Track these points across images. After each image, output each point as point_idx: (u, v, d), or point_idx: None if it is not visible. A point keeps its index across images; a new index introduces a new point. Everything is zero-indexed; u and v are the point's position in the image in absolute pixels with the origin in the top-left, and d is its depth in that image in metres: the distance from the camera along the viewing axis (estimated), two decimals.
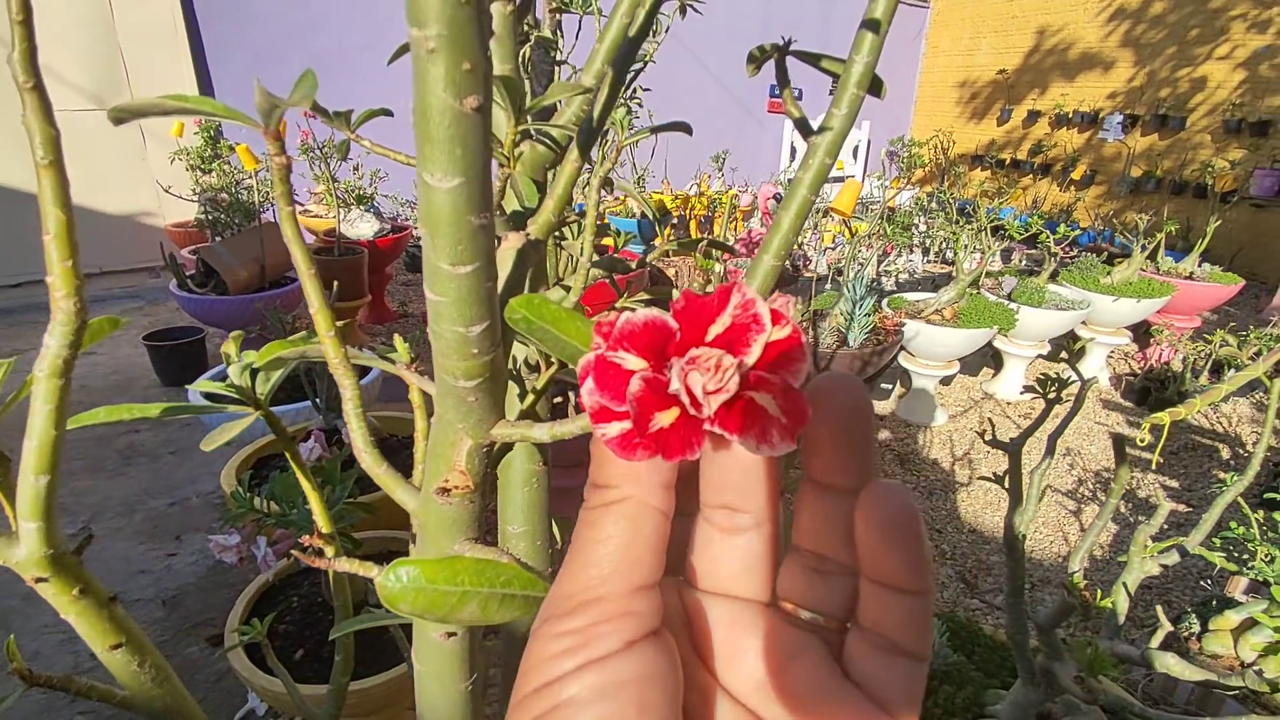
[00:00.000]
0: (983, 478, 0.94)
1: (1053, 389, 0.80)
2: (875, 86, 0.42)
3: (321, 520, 0.39)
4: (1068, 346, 1.04)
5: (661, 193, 5.65)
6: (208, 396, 2.03)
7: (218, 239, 3.45)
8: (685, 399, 0.19)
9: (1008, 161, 8.11)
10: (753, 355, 0.20)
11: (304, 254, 0.27)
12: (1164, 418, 0.93)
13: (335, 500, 1.23)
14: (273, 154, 0.26)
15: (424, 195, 0.20)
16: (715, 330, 0.20)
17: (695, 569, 0.24)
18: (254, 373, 0.40)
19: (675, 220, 5.21)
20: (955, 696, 1.10)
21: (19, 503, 0.25)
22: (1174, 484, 2.89)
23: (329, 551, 0.37)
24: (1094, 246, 5.46)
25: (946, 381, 3.64)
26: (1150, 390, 3.45)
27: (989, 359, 3.85)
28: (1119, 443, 0.81)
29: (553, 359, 0.35)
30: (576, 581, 0.21)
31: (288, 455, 0.44)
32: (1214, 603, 1.61)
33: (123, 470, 2.69)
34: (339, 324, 0.33)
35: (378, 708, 1.30)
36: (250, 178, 3.58)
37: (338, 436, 1.82)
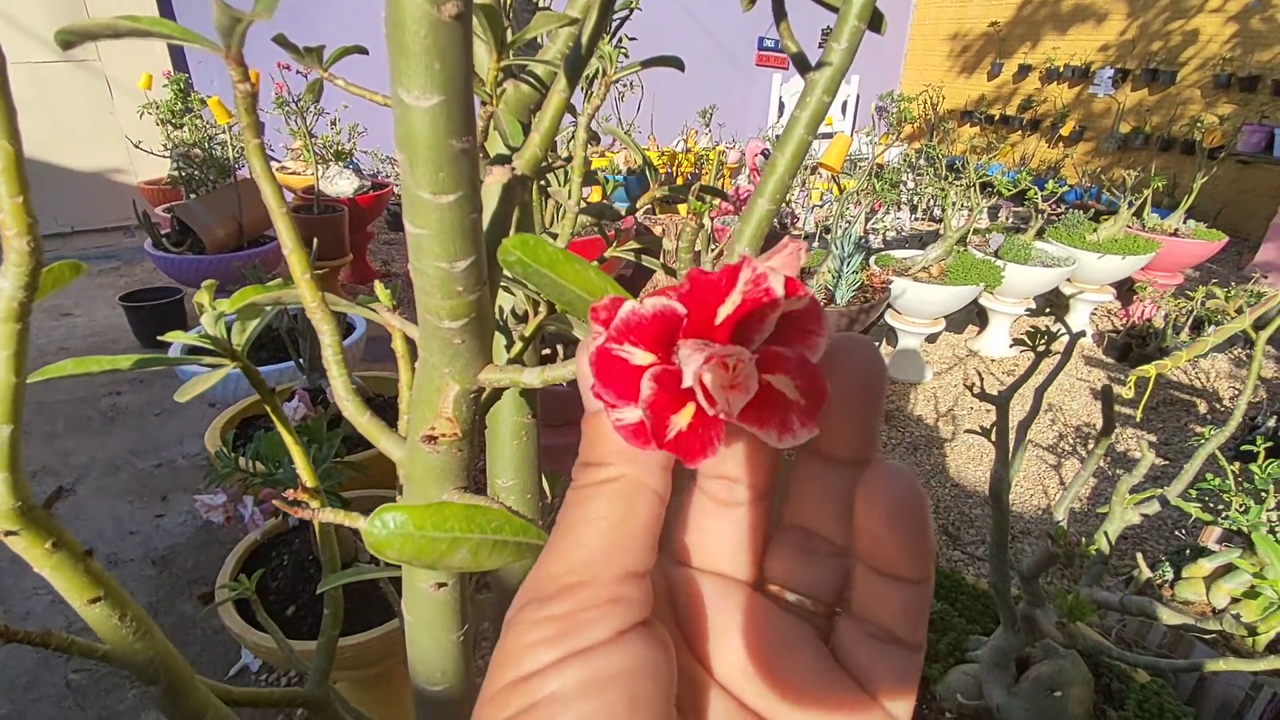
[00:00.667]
0: (969, 431, 0.95)
1: (1042, 342, 0.80)
2: (876, 21, 0.40)
3: (306, 474, 0.38)
4: (1056, 301, 1.03)
5: (648, 148, 5.56)
6: (186, 350, 2.00)
7: (192, 196, 3.36)
8: (703, 400, 0.18)
9: (997, 117, 8.03)
10: (766, 333, 0.19)
11: (274, 190, 0.25)
12: (1150, 370, 0.94)
13: (322, 459, 1.22)
14: (235, 80, 0.24)
15: (400, 116, 0.18)
16: (725, 310, 0.18)
17: (686, 543, 0.22)
18: (230, 325, 0.39)
19: (662, 177, 5.14)
20: (938, 643, 1.13)
21: None
22: (1152, 438, 2.95)
23: (314, 504, 0.36)
24: (1081, 204, 5.46)
25: (932, 339, 3.66)
26: (1132, 346, 3.49)
27: (974, 316, 3.87)
28: (1107, 394, 0.82)
29: (541, 306, 0.34)
30: (562, 563, 0.19)
31: (269, 410, 0.43)
32: (1187, 552, 1.65)
33: (107, 431, 2.66)
34: (317, 272, 0.32)
35: (372, 662, 1.31)
36: (224, 132, 3.47)
37: (323, 396, 1.80)
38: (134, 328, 3.26)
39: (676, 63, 0.44)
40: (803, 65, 0.38)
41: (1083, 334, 1.05)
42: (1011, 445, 0.94)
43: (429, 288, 0.21)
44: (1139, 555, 1.00)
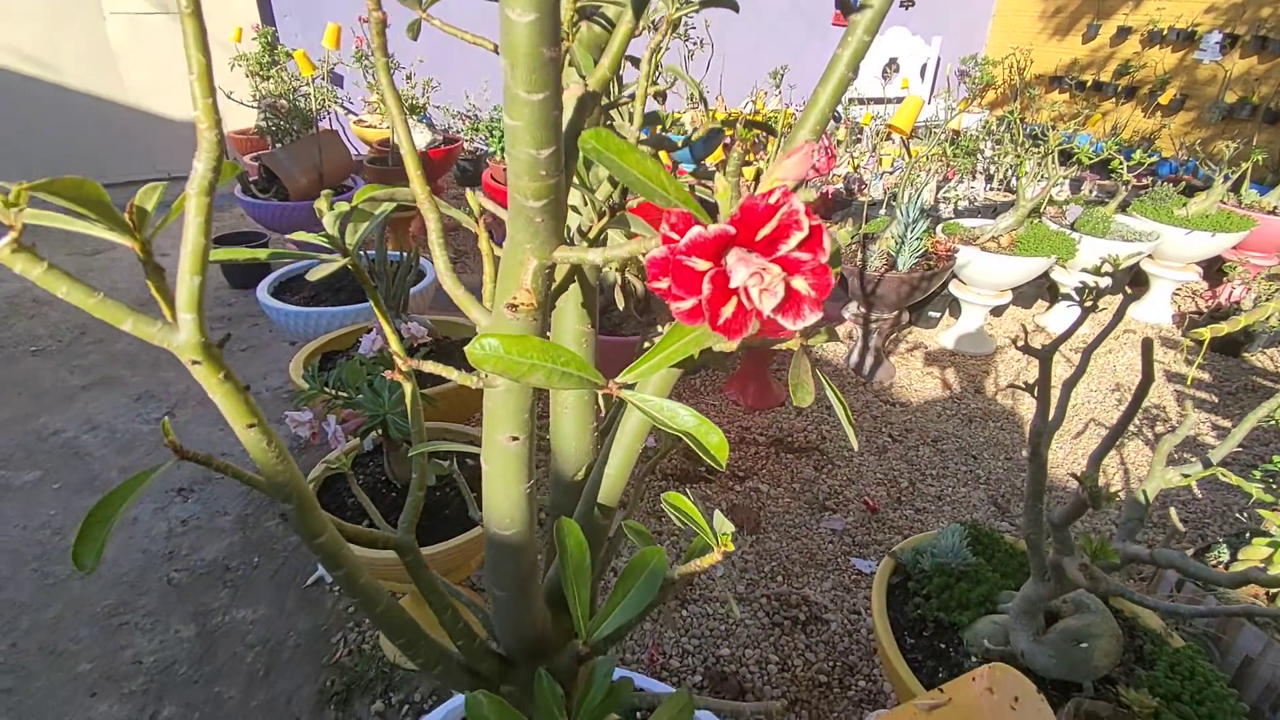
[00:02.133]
0: (1011, 385, 0.97)
1: (1089, 297, 0.81)
2: None
3: (395, 344, 0.45)
4: (1109, 259, 1.03)
5: (715, 110, 5.50)
6: (302, 246, 2.15)
7: (278, 146, 3.53)
8: (744, 299, 0.26)
9: (1089, 83, 7.56)
10: (790, 246, 0.26)
11: (394, 96, 0.32)
12: (1204, 333, 0.94)
13: (397, 388, 1.33)
14: (371, 8, 0.31)
15: (505, 29, 0.24)
16: (765, 231, 0.26)
17: None
18: (343, 227, 0.46)
19: (729, 139, 5.08)
20: (971, 592, 1.17)
21: (179, 297, 0.32)
22: (1226, 424, 2.83)
23: (405, 367, 0.43)
24: (1173, 178, 5.14)
25: (998, 312, 3.57)
26: None
27: (1044, 291, 3.75)
28: (1147, 346, 0.83)
29: (604, 212, 0.39)
30: None
31: (359, 278, 0.50)
32: (1247, 535, 1.62)
33: None
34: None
35: (444, 571, 1.43)
36: (307, 84, 3.62)
37: (398, 333, 1.91)
38: (224, 270, 3.49)
39: (731, 4, 0.48)
40: (846, 8, 0.42)
41: (1136, 294, 1.04)
42: (1055, 402, 0.96)
43: (519, 170, 0.27)
44: (1171, 510, 1.00)
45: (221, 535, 2.02)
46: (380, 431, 1.36)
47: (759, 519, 2.17)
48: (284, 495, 0.38)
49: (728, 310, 0.26)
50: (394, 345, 0.45)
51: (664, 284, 0.27)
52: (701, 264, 0.26)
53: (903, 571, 1.25)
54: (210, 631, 1.73)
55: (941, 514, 2.25)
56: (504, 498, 0.40)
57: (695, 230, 0.26)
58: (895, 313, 2.84)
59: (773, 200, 0.26)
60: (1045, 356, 0.89)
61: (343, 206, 0.43)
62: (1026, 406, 2.85)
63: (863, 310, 2.84)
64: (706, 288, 0.26)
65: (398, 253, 2.24)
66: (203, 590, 1.84)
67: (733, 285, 0.26)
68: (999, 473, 2.47)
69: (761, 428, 2.65)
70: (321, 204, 0.45)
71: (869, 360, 2.96)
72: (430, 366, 0.35)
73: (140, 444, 2.38)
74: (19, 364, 2.82)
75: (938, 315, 3.40)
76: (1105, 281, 0.85)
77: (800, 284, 0.27)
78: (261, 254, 0.43)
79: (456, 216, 0.40)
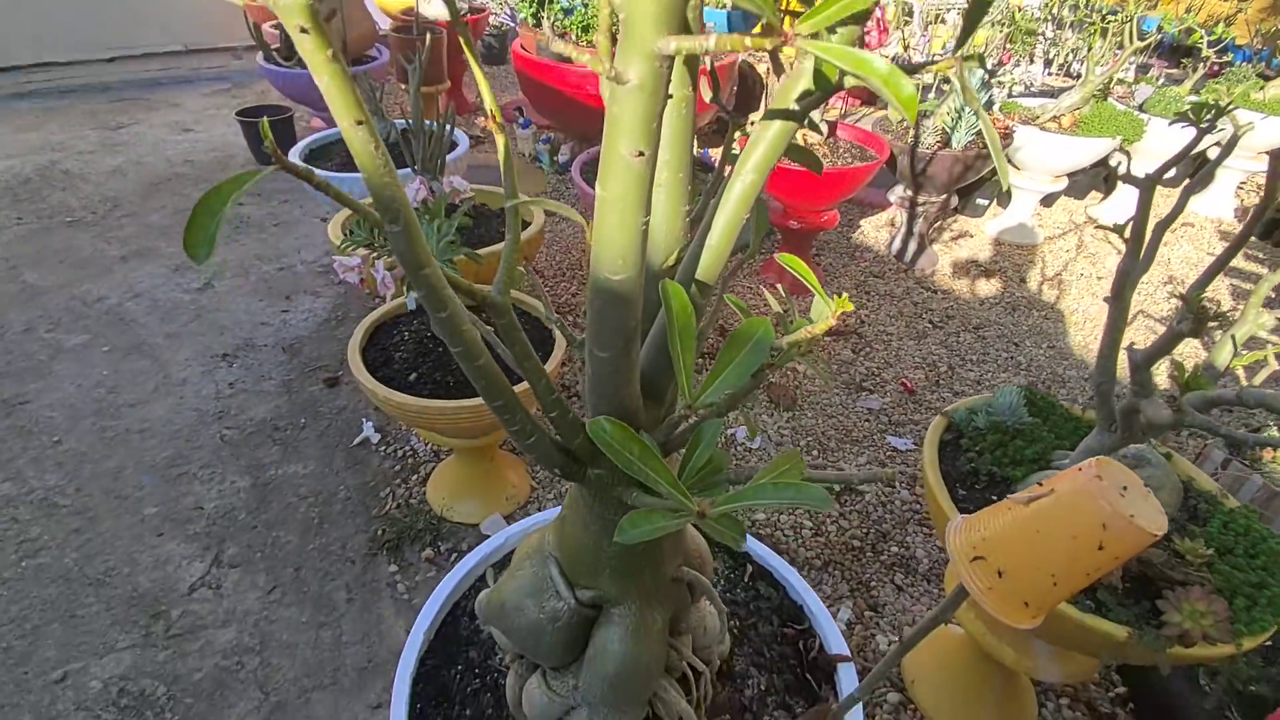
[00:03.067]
0: (1100, 226, 0.91)
1: (1208, 115, 0.74)
2: None
3: (489, 100, 0.41)
4: (1202, 104, 0.94)
5: None
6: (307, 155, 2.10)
7: None
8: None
9: None
10: None
11: None
12: None
13: (442, 235, 1.30)
14: None
15: None
16: None
17: None
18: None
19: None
20: (1025, 449, 1.16)
21: None
22: None
23: (497, 118, 0.40)
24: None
25: (1048, 201, 3.41)
26: None
27: (1099, 180, 3.56)
28: (1276, 157, 0.76)
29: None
30: None
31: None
32: None
33: (235, 238, 2.87)
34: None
35: (481, 431, 1.45)
36: None
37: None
38: (249, 143, 3.42)
39: None
40: None
41: (1250, 126, 0.95)
42: (1145, 244, 0.90)
43: None
44: (1269, 351, 0.96)
45: (267, 398, 2.07)
46: None
47: (795, 397, 2.17)
48: (391, 214, 0.36)
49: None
50: (487, 96, 0.41)
51: None
52: None
53: (955, 430, 1.24)
54: (264, 484, 1.80)
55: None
56: (619, 230, 0.37)
57: None
58: (944, 196, 2.72)
59: None
60: (1146, 186, 0.82)
61: None
62: (1072, 297, 2.77)
63: (910, 194, 2.72)
64: None
65: (432, 122, 2.16)
66: (254, 447, 1.90)
67: None
68: (1040, 360, 2.43)
69: (800, 310, 2.60)
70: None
71: (912, 246, 2.87)
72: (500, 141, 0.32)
73: (182, 312, 2.41)
74: (56, 234, 2.83)
75: (985, 203, 3.26)
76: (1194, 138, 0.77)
77: None
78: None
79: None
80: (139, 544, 1.62)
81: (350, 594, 1.54)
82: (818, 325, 0.44)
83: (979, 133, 2.59)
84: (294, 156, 2.36)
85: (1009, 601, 0.54)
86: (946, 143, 2.55)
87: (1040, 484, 0.54)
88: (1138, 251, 0.88)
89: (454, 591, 0.90)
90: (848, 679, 0.82)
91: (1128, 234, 0.89)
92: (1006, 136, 2.63)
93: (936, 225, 3.19)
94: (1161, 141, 2.93)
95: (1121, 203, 3.28)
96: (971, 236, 3.16)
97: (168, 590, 1.53)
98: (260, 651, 1.42)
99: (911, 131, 2.61)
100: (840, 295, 0.42)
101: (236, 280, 2.60)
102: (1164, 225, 0.94)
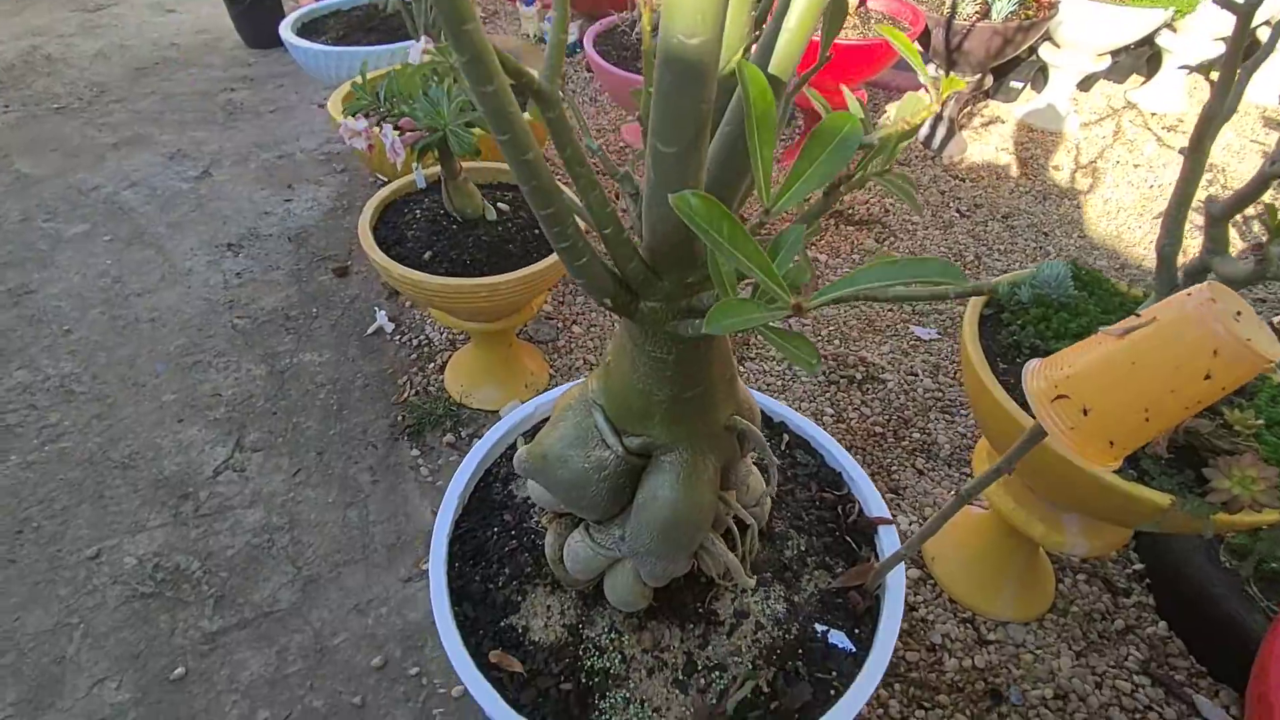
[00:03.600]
0: (1184, 67, 0.82)
1: None
2: None
3: None
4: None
5: None
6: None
7: None
8: None
9: None
10: None
11: None
12: None
13: (455, 95, 1.21)
14: None
15: None
16: None
17: None
18: None
19: None
20: (1070, 323, 1.11)
21: None
22: None
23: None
24: None
25: (1086, 85, 3.21)
26: None
27: (1141, 64, 3.34)
28: None
29: None
30: None
31: None
32: None
33: (231, 125, 2.75)
34: None
35: (502, 312, 1.41)
36: None
37: None
38: (235, 23, 3.21)
39: None
40: None
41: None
42: (1235, 81, 0.81)
43: None
44: None
45: (277, 288, 2.02)
46: (436, 154, 1.27)
47: (817, 286, 2.10)
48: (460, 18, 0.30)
49: None
50: None
51: None
52: None
53: (995, 305, 1.19)
54: (280, 371, 1.78)
55: None
56: (689, 111, 0.31)
57: None
58: (979, 75, 2.55)
59: None
60: (1244, 12, 0.73)
61: None
62: (1106, 186, 2.65)
63: (942, 73, 2.55)
64: None
65: None
66: (267, 336, 1.87)
67: None
68: (1070, 250, 2.35)
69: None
70: None
71: (940, 133, 2.72)
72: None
73: (182, 201, 2.33)
74: (45, 122, 2.70)
75: (1020, 86, 3.07)
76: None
77: None
78: None
79: None
80: (160, 429, 1.62)
81: (374, 476, 1.55)
82: (916, 115, 0.38)
83: (1020, 4, 2.39)
84: (286, 28, 2.21)
85: (1092, 441, 0.50)
86: (986, 13, 2.36)
87: (1137, 314, 0.49)
88: (1226, 90, 0.79)
89: (485, 458, 0.88)
90: (888, 540, 0.81)
91: (1214, 75, 0.81)
92: (1050, 7, 2.44)
93: (967, 110, 3.02)
94: (1213, 19, 2.72)
95: (1165, 87, 3.09)
96: (1003, 122, 3.00)
97: (193, 473, 1.54)
98: (289, 530, 1.44)
99: (947, 2, 2.42)
100: (949, 76, 0.36)
101: (235, 169, 2.50)
102: (1252, 67, 0.85)
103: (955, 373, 1.86)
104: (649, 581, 0.66)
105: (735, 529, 0.69)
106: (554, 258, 1.34)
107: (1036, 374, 0.54)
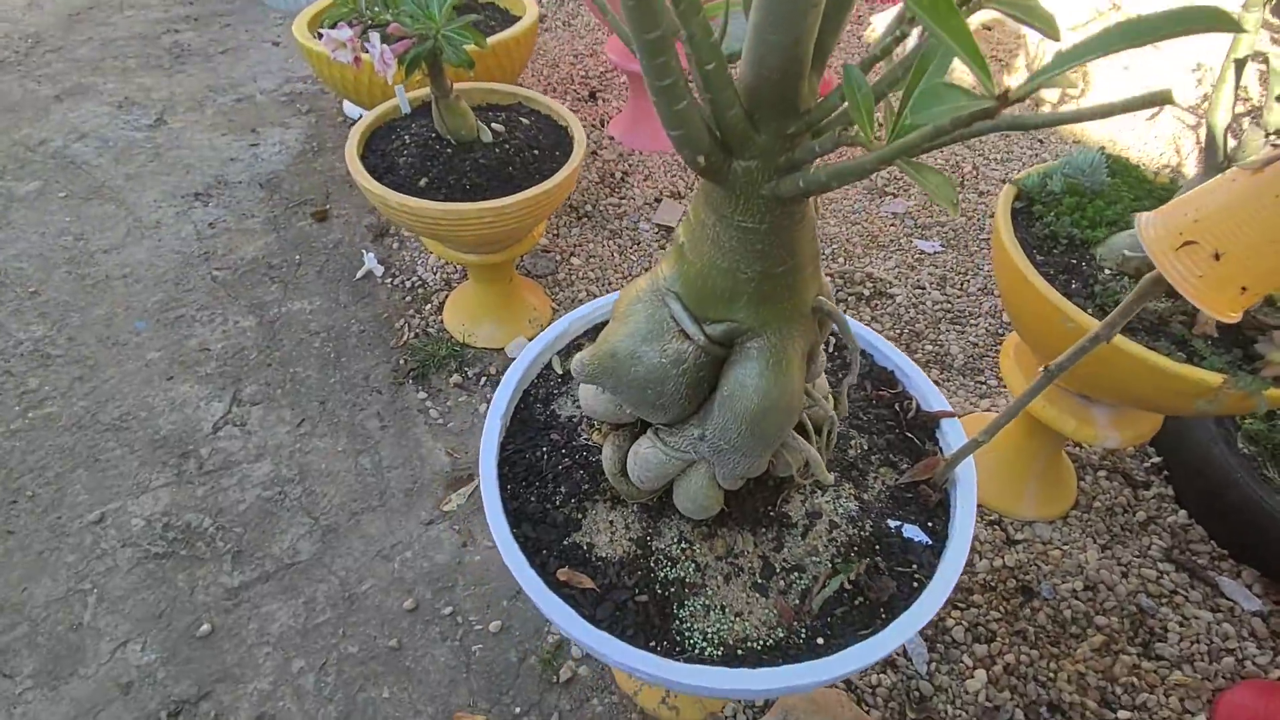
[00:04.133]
0: None
1: None
2: None
3: None
4: None
5: None
6: None
7: None
8: None
9: None
10: None
11: None
12: None
13: (448, 17, 1.11)
14: None
15: None
16: None
17: None
18: None
19: None
20: (1106, 210, 1.08)
21: None
22: None
23: None
24: None
25: None
26: None
27: None
28: None
29: None
30: None
31: None
32: None
33: (179, 69, 2.56)
34: None
35: (512, 237, 1.34)
36: None
37: None
38: None
39: None
40: None
41: None
42: None
43: None
44: None
45: (254, 236, 1.91)
46: (426, 70, 1.17)
47: (816, 203, 2.05)
48: None
49: None
50: None
51: None
52: None
53: (1025, 198, 1.15)
54: (270, 322, 1.70)
55: None
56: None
57: None
58: None
59: None
60: None
61: None
62: (1097, 92, 2.60)
63: None
64: None
65: None
66: (251, 286, 1.78)
67: None
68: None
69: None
70: None
71: None
72: None
73: (138, 151, 2.18)
74: None
75: None
76: None
77: None
78: None
79: None
80: (149, 388, 1.54)
81: (383, 422, 1.50)
82: None
83: None
84: None
85: (1223, 289, 0.47)
86: None
87: (1276, 144, 0.45)
88: None
89: (522, 379, 0.83)
90: (952, 434, 0.78)
91: None
92: None
93: None
94: None
95: None
96: (988, 29, 2.92)
97: (191, 431, 1.47)
98: (301, 481, 1.39)
99: None
100: None
101: (191, 115, 2.34)
102: None
103: (963, 284, 1.84)
104: (724, 483, 0.62)
105: (809, 424, 0.66)
106: (560, 177, 1.27)
107: (1152, 224, 0.51)
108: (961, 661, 1.19)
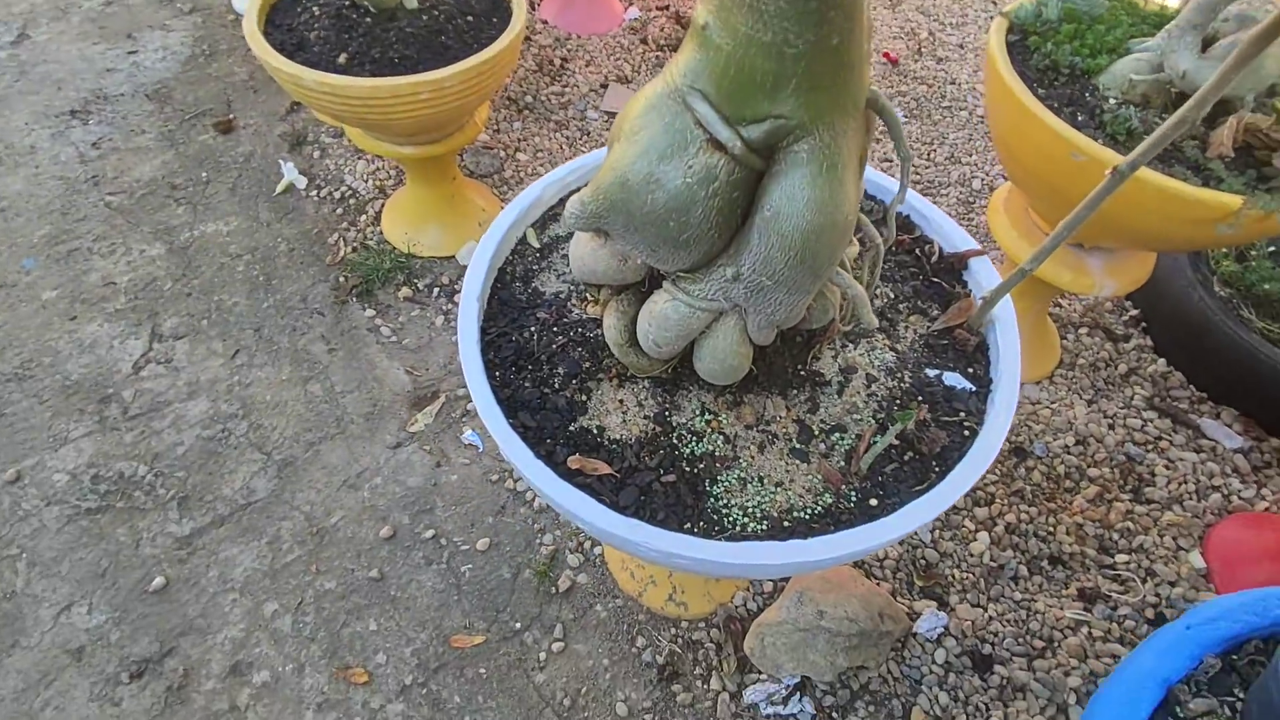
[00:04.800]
0: None
1: None
2: None
3: None
4: None
5: None
6: None
7: None
8: None
9: None
10: None
11: None
12: None
13: None
14: None
15: None
16: None
17: None
18: None
19: None
20: (1107, 35, 1.00)
21: None
22: None
23: None
24: None
25: None
26: None
27: None
28: None
29: None
30: None
31: None
32: None
33: None
34: None
35: (458, 112, 1.18)
36: None
37: None
38: None
39: None
40: None
41: None
42: None
43: None
44: None
45: (149, 154, 1.68)
46: None
47: None
48: None
49: None
50: None
51: None
52: None
53: (1019, 30, 1.06)
54: (183, 247, 1.50)
55: (965, 62, 2.05)
56: None
57: None
58: None
59: None
60: None
61: None
62: None
63: None
64: None
65: None
66: (153, 210, 1.57)
67: None
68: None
69: None
70: None
71: None
72: None
73: (1, 71, 1.87)
74: None
75: None
76: None
77: None
78: None
79: None
80: (50, 331, 1.35)
81: (330, 345, 1.35)
82: None
83: None
84: None
85: None
86: None
87: None
88: None
89: (494, 257, 0.72)
90: (983, 273, 0.71)
91: None
92: None
93: None
94: None
95: None
96: None
97: (108, 373, 1.30)
98: (245, 416, 1.25)
99: None
100: None
101: (56, 25, 2.01)
102: None
103: (929, 154, 1.77)
104: (757, 336, 0.54)
105: (845, 257, 0.57)
106: (504, 42, 1.11)
107: None
108: (964, 526, 1.17)
